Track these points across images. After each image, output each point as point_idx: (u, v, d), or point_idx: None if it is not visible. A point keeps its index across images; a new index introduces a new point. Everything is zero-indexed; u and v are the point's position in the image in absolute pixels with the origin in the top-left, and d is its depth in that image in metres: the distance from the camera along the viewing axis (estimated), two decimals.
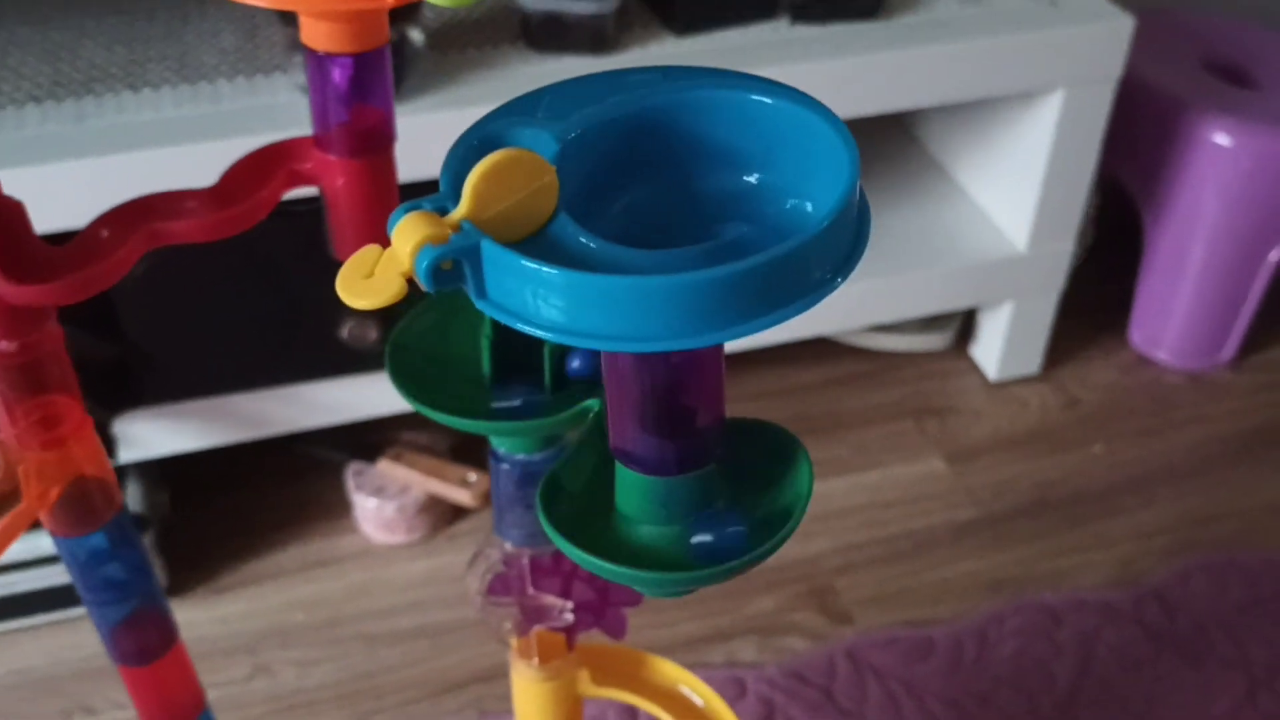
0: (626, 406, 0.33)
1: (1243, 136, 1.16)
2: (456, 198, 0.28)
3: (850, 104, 0.98)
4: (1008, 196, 1.16)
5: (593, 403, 0.39)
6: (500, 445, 0.43)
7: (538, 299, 0.27)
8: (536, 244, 0.28)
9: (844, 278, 0.29)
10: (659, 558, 0.34)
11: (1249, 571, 1.05)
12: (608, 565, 0.33)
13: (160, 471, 1.05)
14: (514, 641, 0.48)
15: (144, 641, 0.51)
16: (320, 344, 0.97)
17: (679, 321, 0.27)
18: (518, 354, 0.40)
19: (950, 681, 0.96)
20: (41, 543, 0.97)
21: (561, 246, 0.28)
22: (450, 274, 0.28)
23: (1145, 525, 1.10)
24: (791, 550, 1.08)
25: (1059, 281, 1.17)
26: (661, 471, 0.34)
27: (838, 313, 1.13)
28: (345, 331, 0.96)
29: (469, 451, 1.11)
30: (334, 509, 1.11)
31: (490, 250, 0.28)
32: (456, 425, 0.40)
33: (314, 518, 1.11)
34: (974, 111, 1.16)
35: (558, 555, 0.46)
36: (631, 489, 0.35)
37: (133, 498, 1.00)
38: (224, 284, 0.94)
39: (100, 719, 0.95)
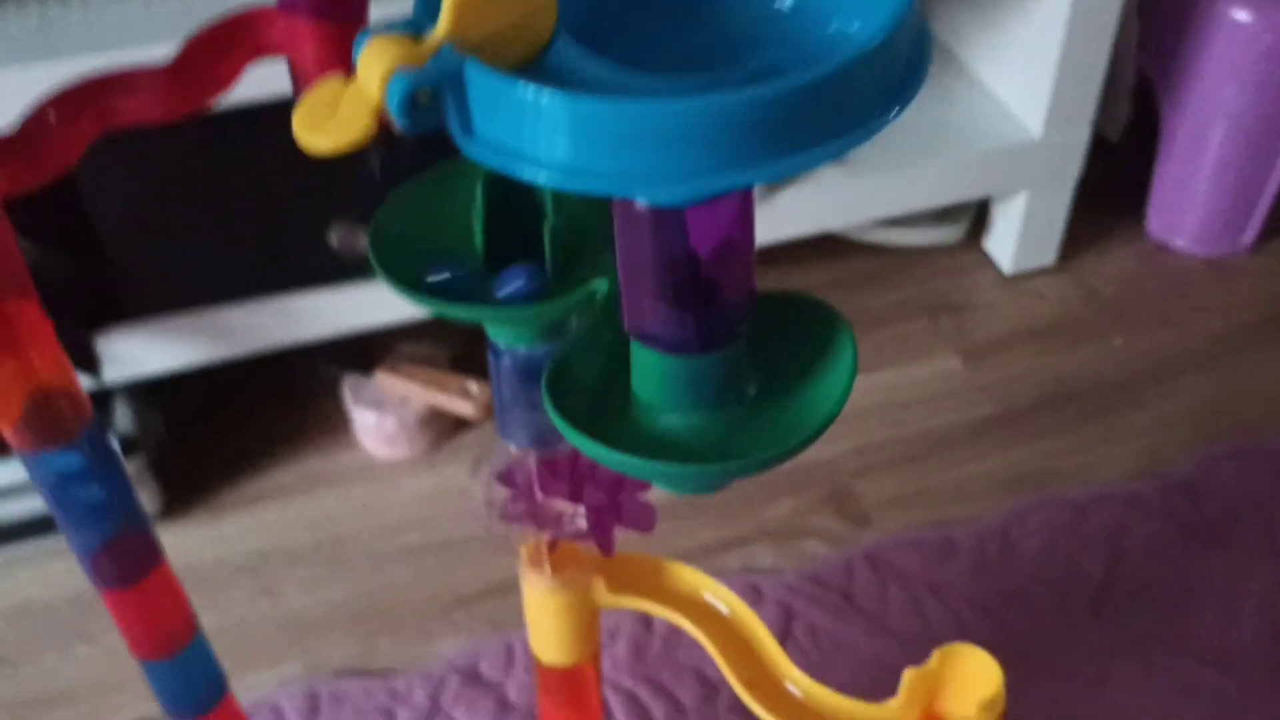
0: (643, 274, 0.29)
1: (1262, 12, 1.10)
2: (434, 18, 0.24)
3: None
4: (1021, 81, 1.11)
5: (600, 284, 0.35)
6: (499, 338, 0.39)
7: (535, 134, 0.23)
8: (532, 73, 0.24)
9: (899, 109, 0.24)
10: (684, 449, 0.30)
11: (1275, 457, 1.02)
12: (630, 459, 0.29)
13: (152, 392, 1.01)
14: (524, 552, 0.45)
15: (126, 563, 0.47)
16: (310, 252, 0.93)
17: (707, 155, 0.22)
18: (514, 234, 0.36)
19: (975, 582, 0.94)
20: None
21: (563, 75, 0.24)
22: (429, 109, 0.24)
23: (1168, 415, 1.07)
24: (808, 452, 1.04)
25: (1075, 169, 1.12)
26: (683, 350, 0.30)
27: (847, 207, 1.08)
28: (333, 239, 0.92)
29: (470, 362, 1.07)
30: (333, 425, 1.08)
31: (477, 75, 0.23)
32: (450, 314, 0.36)
33: (313, 434, 1.07)
34: None
35: (567, 457, 0.42)
36: (650, 372, 0.31)
37: (124, 419, 0.96)
38: (207, 190, 0.89)
39: (99, 647, 0.92)
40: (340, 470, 1.05)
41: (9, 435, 0.43)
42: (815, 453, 1.10)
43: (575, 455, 0.42)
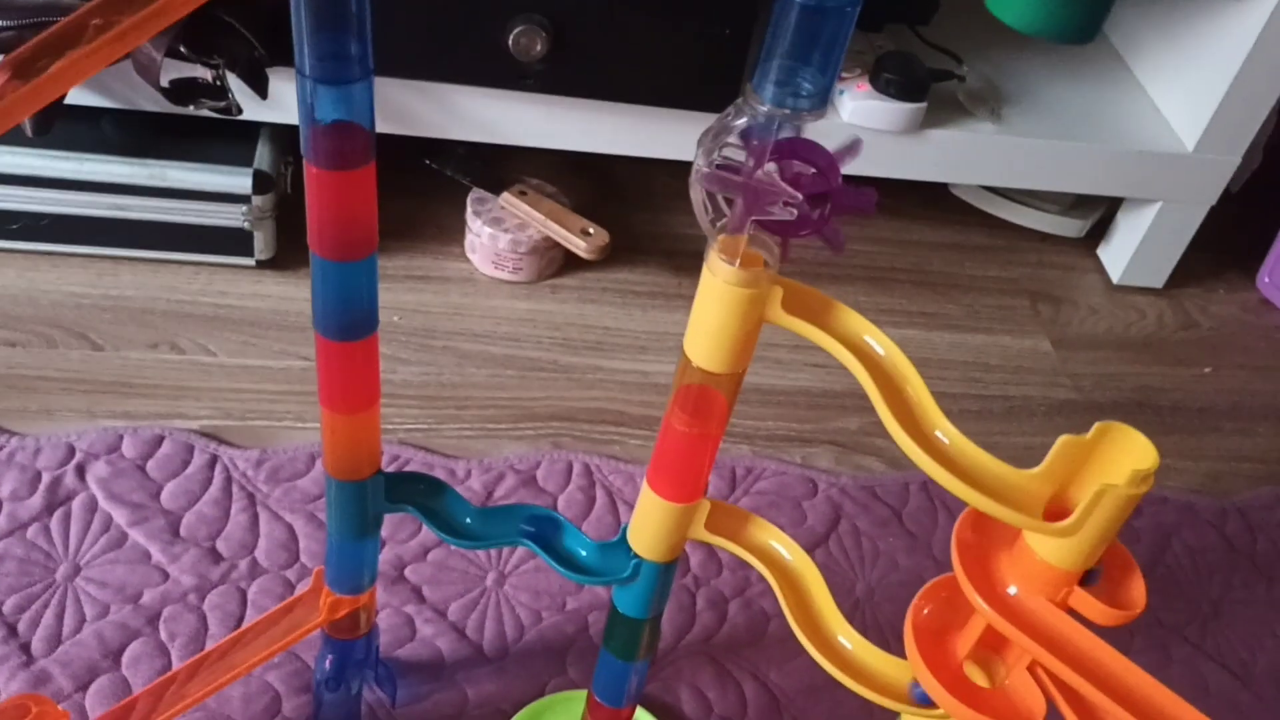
0: None
1: None
2: None
3: None
4: (1186, 93, 1.12)
5: None
6: None
7: None
8: None
9: None
10: None
11: None
12: None
13: (291, 143, 1.04)
14: (718, 234, 0.47)
15: (345, 147, 0.49)
16: (485, 49, 0.95)
17: None
18: None
19: None
20: (169, 173, 0.96)
21: None
22: None
23: (1239, 450, 1.08)
24: None
25: (1215, 192, 1.14)
26: None
27: (991, 164, 1.10)
28: (511, 40, 0.94)
29: (591, 212, 1.09)
30: (448, 232, 1.10)
31: None
32: None
33: (428, 236, 1.10)
34: (1170, 6, 1.12)
35: (803, 143, 0.44)
36: None
37: (263, 157, 0.99)
38: None
39: (187, 357, 0.95)
40: (444, 274, 1.07)
41: None
42: None
43: (815, 146, 0.44)
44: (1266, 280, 1.26)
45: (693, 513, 0.57)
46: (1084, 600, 0.47)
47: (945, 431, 0.47)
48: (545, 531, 0.60)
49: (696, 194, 0.46)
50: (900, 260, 1.20)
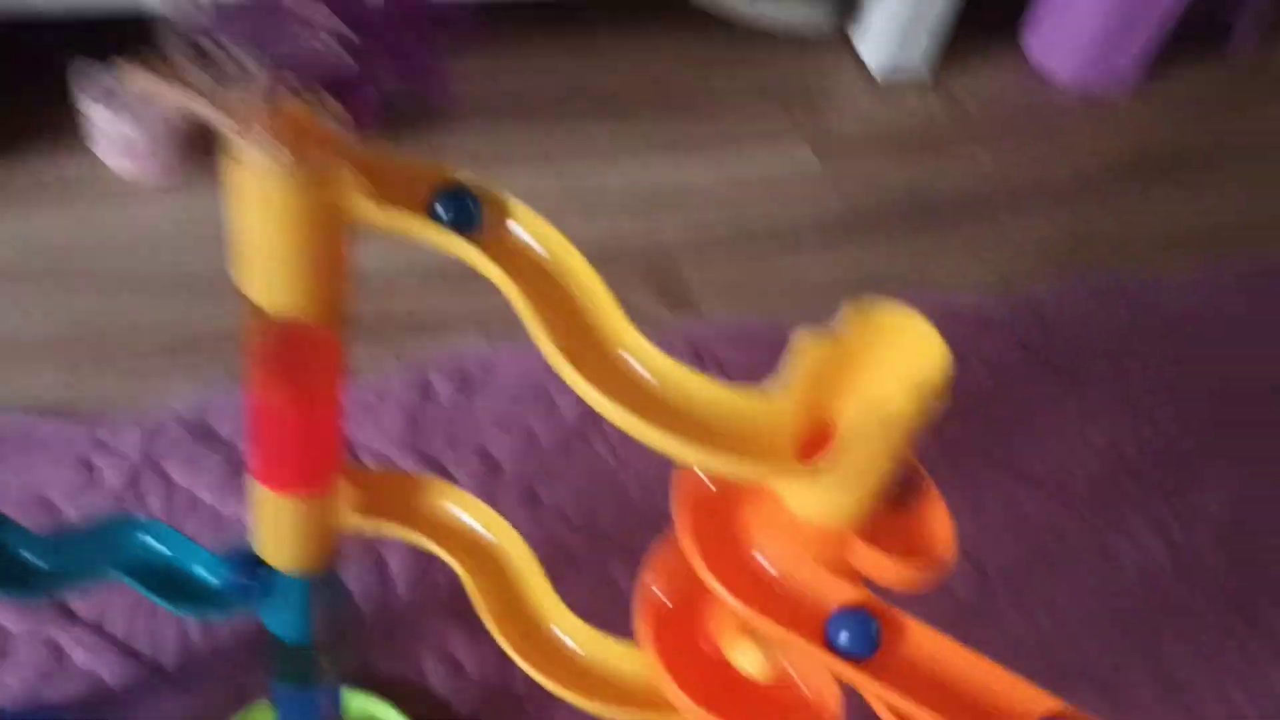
0: None
1: None
2: None
3: None
4: None
5: None
6: None
7: None
8: None
9: None
10: None
11: (1130, 295, 0.95)
12: None
13: None
14: (230, 107, 0.29)
15: None
16: None
17: None
18: None
19: None
20: None
21: None
22: None
23: (1024, 238, 0.98)
24: (631, 224, 0.91)
25: None
26: None
27: None
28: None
29: None
30: (57, 123, 0.87)
31: None
32: None
33: (34, 133, 0.87)
34: None
35: None
36: None
37: None
38: None
39: None
40: (64, 182, 0.85)
41: None
42: (639, 225, 0.96)
43: None
44: (1034, 45, 1.14)
45: (328, 503, 0.40)
46: (869, 559, 0.32)
47: (641, 357, 0.31)
48: (144, 552, 0.43)
49: (178, 25, 0.28)
50: (634, 81, 1.03)
